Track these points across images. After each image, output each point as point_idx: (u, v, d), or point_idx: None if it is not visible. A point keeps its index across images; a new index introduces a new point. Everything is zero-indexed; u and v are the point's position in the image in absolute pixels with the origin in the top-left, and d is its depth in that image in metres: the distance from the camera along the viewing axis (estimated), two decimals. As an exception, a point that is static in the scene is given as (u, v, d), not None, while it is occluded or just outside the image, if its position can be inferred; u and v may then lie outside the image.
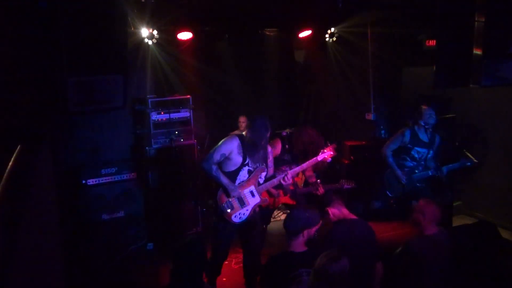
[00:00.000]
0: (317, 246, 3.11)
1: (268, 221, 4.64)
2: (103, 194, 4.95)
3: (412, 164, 4.61)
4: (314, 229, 2.99)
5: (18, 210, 2.32)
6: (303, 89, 7.30)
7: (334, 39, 6.50)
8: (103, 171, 4.96)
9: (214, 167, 3.53)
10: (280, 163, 4.31)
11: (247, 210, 3.66)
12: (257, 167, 3.67)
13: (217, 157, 3.53)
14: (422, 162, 4.60)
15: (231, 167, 3.60)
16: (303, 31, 6.18)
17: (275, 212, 5.84)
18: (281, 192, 4.32)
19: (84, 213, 4.82)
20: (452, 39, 3.67)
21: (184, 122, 5.45)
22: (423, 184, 4.64)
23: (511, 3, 3.33)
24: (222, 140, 3.60)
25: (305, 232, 2.95)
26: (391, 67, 6.07)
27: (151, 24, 5.32)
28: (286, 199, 4.35)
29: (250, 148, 3.58)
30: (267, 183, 3.73)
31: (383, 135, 6.11)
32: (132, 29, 5.22)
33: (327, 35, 6.51)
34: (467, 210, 6.04)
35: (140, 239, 5.19)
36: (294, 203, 4.33)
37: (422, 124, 4.49)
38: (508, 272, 2.97)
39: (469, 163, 4.58)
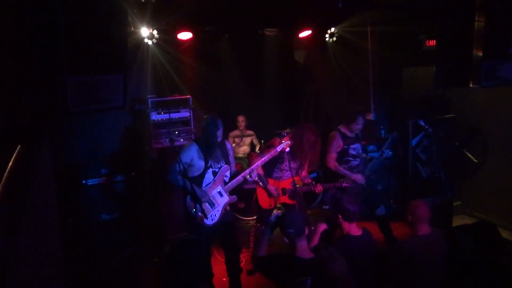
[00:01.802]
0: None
1: (267, 222, 4.62)
2: (103, 194, 4.95)
3: (357, 162, 4.74)
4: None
5: (18, 210, 2.32)
6: (303, 89, 7.30)
7: (334, 39, 6.50)
8: (103, 171, 4.95)
9: (179, 177, 3.54)
10: (279, 161, 4.32)
11: (218, 210, 3.70)
12: (221, 166, 3.71)
13: (177, 167, 3.54)
14: (363, 155, 4.80)
15: (196, 172, 3.63)
16: (303, 31, 6.18)
17: (275, 212, 5.83)
18: (280, 192, 4.32)
19: (84, 213, 4.82)
20: (452, 39, 3.68)
21: (184, 122, 5.45)
22: (376, 174, 4.84)
23: (511, 3, 3.33)
24: (181, 149, 3.62)
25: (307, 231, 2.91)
26: (391, 67, 6.07)
27: (151, 24, 5.31)
28: (285, 199, 4.35)
29: (207, 149, 3.61)
30: (233, 180, 3.78)
31: (383, 135, 6.11)
32: (132, 29, 5.22)
33: (327, 35, 6.51)
34: (467, 210, 6.05)
35: (140, 239, 5.18)
36: (294, 202, 4.32)
37: (352, 128, 4.64)
38: (508, 272, 2.97)
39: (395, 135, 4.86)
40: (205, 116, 3.68)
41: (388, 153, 4.74)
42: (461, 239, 3.33)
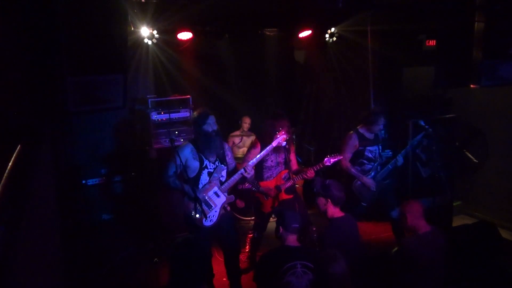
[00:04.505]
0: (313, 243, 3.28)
1: (267, 221, 4.62)
2: (103, 194, 4.95)
3: (371, 166, 4.61)
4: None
5: (18, 210, 2.32)
6: (303, 89, 7.30)
7: (334, 39, 6.50)
8: (103, 171, 4.96)
9: (171, 179, 3.57)
10: (265, 160, 4.30)
11: (215, 211, 3.69)
12: (216, 166, 3.70)
13: (172, 169, 3.57)
14: (379, 160, 4.66)
15: (191, 173, 3.62)
16: (303, 31, 6.18)
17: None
18: (274, 189, 4.29)
19: (84, 213, 4.82)
20: (452, 39, 3.68)
21: (184, 122, 5.45)
22: (389, 179, 4.68)
23: (511, 3, 3.33)
24: (176, 150, 3.59)
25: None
26: (391, 67, 6.07)
27: (151, 24, 5.32)
28: (282, 195, 4.33)
29: (204, 146, 3.59)
30: (230, 180, 3.77)
31: (383, 135, 6.11)
32: (132, 28, 5.22)
33: (327, 35, 6.51)
34: (467, 210, 6.05)
35: (140, 239, 5.19)
36: (292, 196, 4.32)
37: (369, 128, 4.53)
38: (508, 272, 2.97)
39: (415, 142, 4.83)
40: (196, 113, 3.66)
41: (401, 161, 4.66)
42: (461, 239, 3.33)
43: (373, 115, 4.52)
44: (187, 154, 3.60)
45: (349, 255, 2.86)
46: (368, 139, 4.58)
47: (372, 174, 4.62)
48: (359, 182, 4.58)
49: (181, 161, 3.54)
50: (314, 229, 4.48)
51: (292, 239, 3.06)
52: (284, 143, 3.96)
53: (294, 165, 4.39)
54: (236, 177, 3.77)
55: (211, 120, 3.62)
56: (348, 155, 4.53)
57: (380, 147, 4.72)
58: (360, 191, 4.58)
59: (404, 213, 3.21)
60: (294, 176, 4.18)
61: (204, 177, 3.67)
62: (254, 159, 3.88)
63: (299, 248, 3.05)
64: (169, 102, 5.37)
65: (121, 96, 3.19)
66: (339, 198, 3.43)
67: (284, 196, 4.29)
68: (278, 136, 3.94)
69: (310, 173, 4.15)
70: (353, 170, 4.53)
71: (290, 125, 4.24)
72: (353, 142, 4.53)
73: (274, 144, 3.92)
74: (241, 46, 6.25)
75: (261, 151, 4.06)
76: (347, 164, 4.52)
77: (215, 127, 3.64)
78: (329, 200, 3.43)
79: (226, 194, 3.78)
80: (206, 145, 3.60)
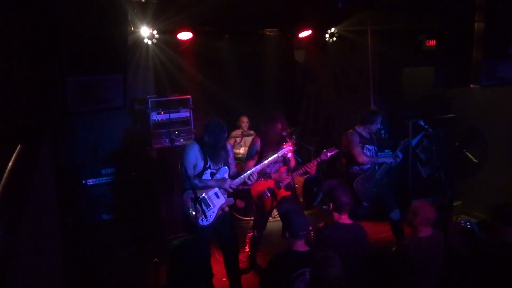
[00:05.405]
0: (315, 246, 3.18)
1: (267, 219, 4.63)
2: (103, 194, 4.95)
3: (369, 165, 4.67)
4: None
5: (18, 210, 2.32)
6: (303, 89, 7.30)
7: (334, 39, 6.50)
8: (103, 171, 4.96)
9: (194, 180, 3.56)
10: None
11: (213, 212, 3.69)
12: (219, 168, 3.71)
13: (191, 171, 3.58)
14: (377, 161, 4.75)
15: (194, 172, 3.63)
16: (303, 31, 6.18)
17: (275, 212, 5.83)
18: (274, 185, 4.30)
19: (84, 213, 4.82)
20: (452, 39, 3.68)
21: (184, 122, 5.45)
22: (387, 179, 4.77)
23: (511, 3, 3.33)
24: (184, 152, 3.59)
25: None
26: (391, 67, 6.08)
27: (151, 24, 5.32)
28: (283, 192, 4.33)
29: (209, 151, 3.62)
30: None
31: (383, 135, 6.11)
32: (132, 28, 5.22)
33: (327, 35, 6.51)
34: (467, 210, 6.04)
35: (139, 239, 5.19)
36: (290, 193, 4.33)
37: (368, 127, 4.64)
38: (507, 273, 2.97)
39: (406, 142, 4.84)
40: (207, 121, 3.64)
41: (400, 156, 4.71)
42: (460, 239, 3.32)
43: (371, 115, 4.60)
44: (196, 152, 3.60)
45: (344, 259, 2.86)
46: (365, 137, 4.68)
47: (381, 171, 4.68)
48: (360, 182, 4.60)
49: (193, 160, 3.56)
50: (311, 228, 4.50)
51: (300, 244, 3.00)
52: (289, 155, 4.00)
53: (292, 163, 4.42)
54: (238, 181, 3.77)
55: (225, 137, 3.65)
56: (359, 148, 4.59)
57: (375, 147, 4.77)
58: (361, 190, 4.59)
59: (416, 211, 3.13)
60: (291, 173, 4.20)
61: (206, 177, 3.68)
62: (259, 166, 3.91)
63: (307, 253, 2.97)
64: (169, 102, 5.37)
65: (121, 96, 3.19)
66: (342, 203, 3.29)
67: (283, 192, 4.31)
68: (285, 146, 3.97)
69: (311, 168, 4.22)
70: (373, 158, 4.64)
71: (286, 126, 4.26)
72: (356, 138, 4.62)
73: (279, 154, 3.96)
74: (241, 46, 6.25)
75: (260, 150, 4.07)
76: (363, 156, 4.58)
77: (225, 141, 3.66)
78: (331, 204, 3.36)
79: (226, 196, 3.78)
80: (212, 155, 3.64)
